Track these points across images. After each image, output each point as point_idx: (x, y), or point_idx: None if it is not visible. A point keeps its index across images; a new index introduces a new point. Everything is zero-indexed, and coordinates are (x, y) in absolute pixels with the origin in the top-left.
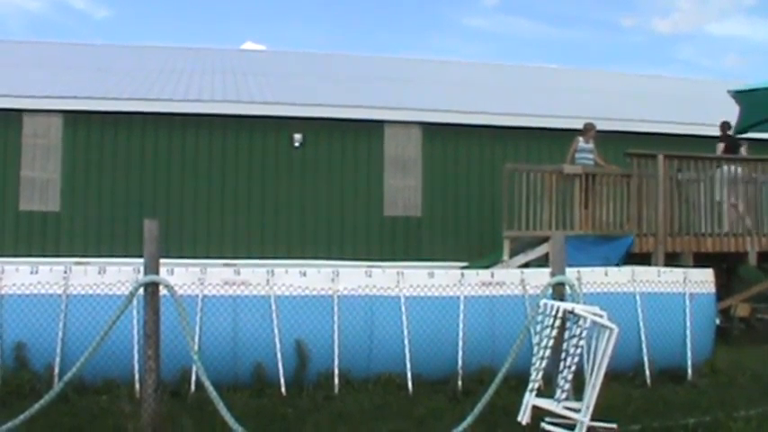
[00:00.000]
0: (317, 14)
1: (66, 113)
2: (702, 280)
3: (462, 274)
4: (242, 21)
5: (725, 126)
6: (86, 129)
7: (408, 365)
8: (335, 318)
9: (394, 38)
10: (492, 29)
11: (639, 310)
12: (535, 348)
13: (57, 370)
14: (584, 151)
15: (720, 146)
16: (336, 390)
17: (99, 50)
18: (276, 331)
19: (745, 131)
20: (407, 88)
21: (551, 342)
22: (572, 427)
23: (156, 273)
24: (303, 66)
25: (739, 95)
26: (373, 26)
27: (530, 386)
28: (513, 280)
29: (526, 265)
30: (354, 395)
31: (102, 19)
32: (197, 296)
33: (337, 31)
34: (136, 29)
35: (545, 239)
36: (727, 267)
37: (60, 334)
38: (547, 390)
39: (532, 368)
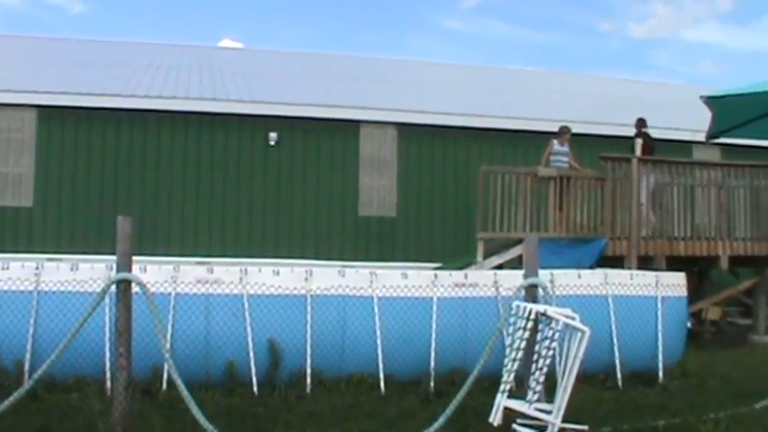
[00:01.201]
0: (296, 14)
1: (40, 108)
2: (674, 283)
3: (436, 275)
4: (220, 18)
5: (641, 123)
6: (61, 124)
7: (381, 366)
8: (308, 317)
9: (372, 38)
10: (470, 31)
11: (612, 313)
12: (507, 350)
13: (27, 367)
14: (559, 154)
15: (638, 142)
16: (308, 389)
17: (74, 45)
18: (249, 330)
19: (718, 137)
20: (384, 88)
21: (523, 344)
22: (543, 428)
23: (129, 270)
24: (280, 64)
25: (711, 101)
26: (351, 26)
27: (501, 387)
28: (487, 281)
29: (500, 267)
30: (326, 395)
31: (79, 14)
32: (170, 294)
33: (315, 31)
34: (112, 24)
35: (519, 241)
36: (699, 271)
37: (31, 330)
38: (518, 391)
39: (504, 370)
